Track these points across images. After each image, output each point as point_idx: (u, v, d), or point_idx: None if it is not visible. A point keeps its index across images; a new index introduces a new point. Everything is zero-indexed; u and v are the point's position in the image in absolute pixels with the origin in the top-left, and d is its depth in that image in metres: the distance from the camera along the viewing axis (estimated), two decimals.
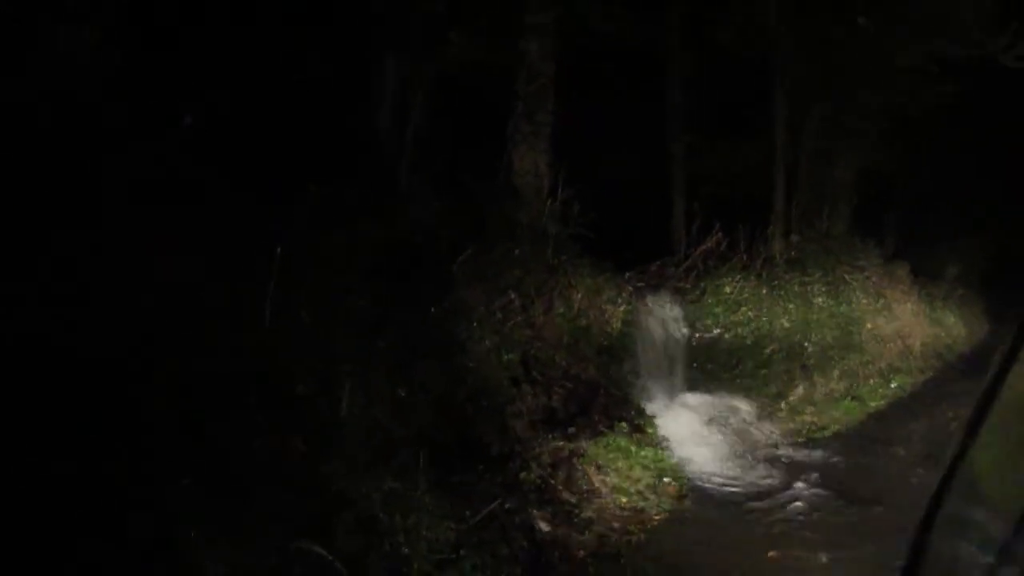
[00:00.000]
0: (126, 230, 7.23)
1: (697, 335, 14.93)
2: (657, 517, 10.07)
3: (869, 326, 19.84)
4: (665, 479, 10.83)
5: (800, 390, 16.01)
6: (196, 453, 6.31)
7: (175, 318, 6.96)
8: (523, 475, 9.32)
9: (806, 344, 16.86)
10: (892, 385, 18.89)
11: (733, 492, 11.44)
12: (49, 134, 7.43)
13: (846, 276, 19.97)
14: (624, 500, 10.05)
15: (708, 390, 14.13)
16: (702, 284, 15.88)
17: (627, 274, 14.66)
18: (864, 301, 20.21)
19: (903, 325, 22.08)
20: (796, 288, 17.64)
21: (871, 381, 18.41)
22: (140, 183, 7.82)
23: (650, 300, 14.11)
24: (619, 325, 13.20)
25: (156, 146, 8.42)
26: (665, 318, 14.14)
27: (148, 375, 6.40)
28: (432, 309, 10.06)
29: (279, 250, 7.97)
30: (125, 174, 7.84)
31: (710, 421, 13.29)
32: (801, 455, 13.40)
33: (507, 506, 8.59)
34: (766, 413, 14.52)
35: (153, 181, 7.94)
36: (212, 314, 7.36)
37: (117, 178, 7.75)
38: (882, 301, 21.38)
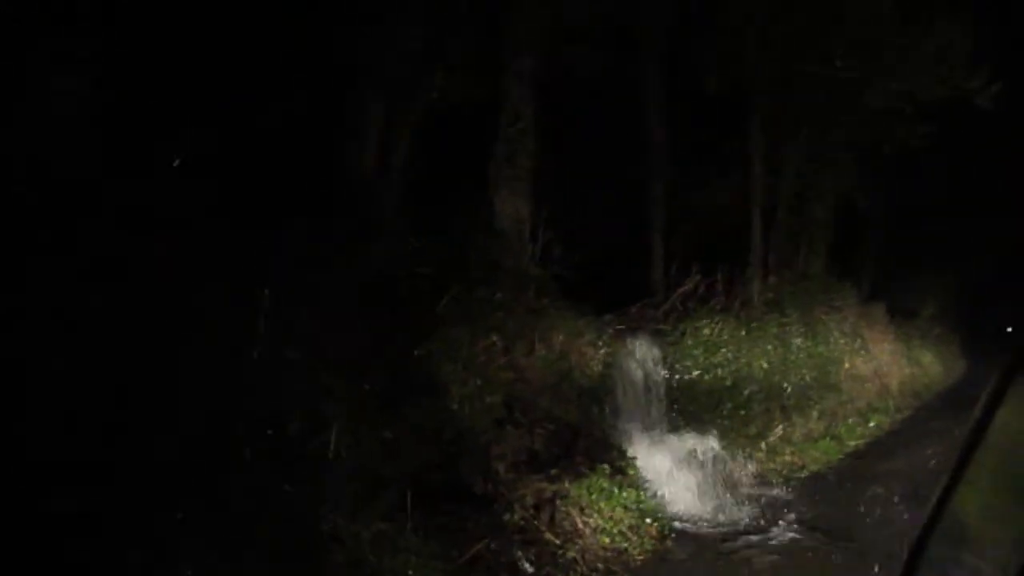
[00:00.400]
0: (116, 265, 7.26)
1: (677, 377, 14.96)
2: (640, 557, 10.12)
3: (847, 366, 20.04)
4: (647, 520, 10.86)
5: (779, 430, 16.12)
6: (189, 490, 6.36)
7: (166, 353, 6.99)
8: (507, 516, 9.36)
9: (785, 385, 16.97)
10: (870, 424, 19.11)
11: (714, 532, 11.53)
12: (41, 173, 7.46)
13: (823, 317, 20.17)
14: (607, 541, 10.08)
15: (688, 431, 14.12)
16: (681, 326, 15.94)
17: (607, 316, 14.71)
18: (842, 342, 20.41)
19: (880, 365, 22.31)
20: (774, 329, 17.77)
21: (849, 420, 18.62)
22: (131, 220, 7.85)
23: (630, 342, 14.11)
24: (600, 367, 13.23)
25: (147, 183, 8.46)
26: (645, 360, 14.13)
27: (138, 411, 6.43)
28: (416, 351, 10.11)
29: (267, 290, 8.04)
30: (116, 211, 7.87)
31: (690, 462, 13.28)
32: (781, 495, 13.53)
33: (492, 546, 8.64)
34: (746, 453, 14.57)
35: (143, 218, 7.97)
36: (203, 350, 7.40)
37: (108, 215, 7.78)
38: (859, 341, 21.60)
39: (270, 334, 8.00)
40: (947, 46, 19.41)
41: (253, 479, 6.87)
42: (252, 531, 6.51)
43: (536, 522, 9.56)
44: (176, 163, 9.18)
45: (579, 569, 9.25)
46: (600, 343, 13.54)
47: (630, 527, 10.55)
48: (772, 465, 14.88)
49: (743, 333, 16.81)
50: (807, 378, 17.86)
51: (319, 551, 6.89)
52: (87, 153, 8.16)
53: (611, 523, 10.39)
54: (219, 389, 7.26)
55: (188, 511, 6.20)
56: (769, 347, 17.18)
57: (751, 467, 14.27)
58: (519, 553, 8.88)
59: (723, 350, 16.00)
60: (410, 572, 7.39)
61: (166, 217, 8.17)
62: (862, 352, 21.65)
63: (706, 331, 16.07)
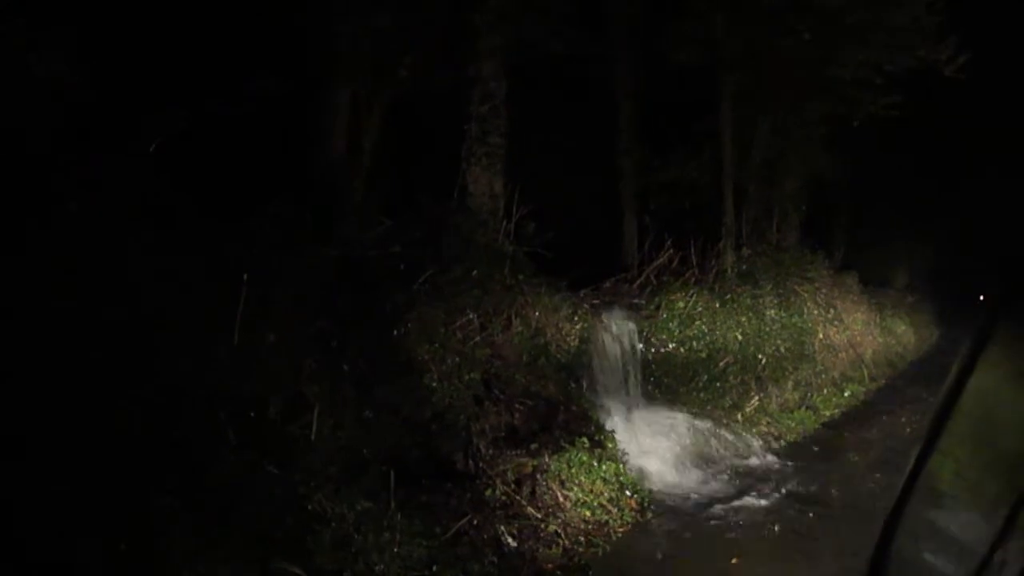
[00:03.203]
0: (90, 249, 7.26)
1: (652, 350, 15.04)
2: (621, 530, 10.20)
3: (821, 336, 20.13)
4: (627, 492, 10.93)
5: (755, 401, 16.22)
6: (174, 473, 6.38)
7: (144, 339, 7.00)
8: (489, 492, 9.43)
9: (759, 356, 17.05)
10: (845, 394, 19.24)
11: (693, 503, 11.62)
12: (12, 153, 7.45)
13: (797, 288, 20.22)
14: (588, 514, 10.14)
15: (665, 404, 14.26)
16: (656, 299, 15.99)
17: (582, 291, 14.79)
18: (815, 312, 20.48)
19: (854, 334, 22.42)
20: (748, 301, 17.81)
21: (824, 391, 18.73)
22: (104, 202, 7.85)
23: (605, 317, 14.18)
24: (576, 342, 13.30)
25: (120, 167, 8.45)
26: (621, 334, 14.17)
27: (121, 395, 6.44)
28: (393, 330, 10.13)
29: (245, 276, 8.04)
30: (88, 194, 7.86)
31: (668, 434, 13.38)
32: (758, 465, 13.67)
33: (475, 522, 8.71)
34: (722, 425, 14.65)
35: (117, 201, 7.97)
36: (180, 335, 7.41)
37: (81, 198, 7.76)
38: (833, 311, 21.69)
39: (249, 317, 8.02)
40: (916, 16, 19.42)
41: (237, 462, 6.90)
42: (238, 513, 6.55)
43: (518, 497, 9.62)
44: (152, 148, 9.19)
45: (561, 542, 9.33)
46: (576, 318, 13.60)
47: (610, 500, 10.60)
48: (749, 436, 14.95)
49: (717, 305, 16.87)
50: (782, 349, 17.94)
51: (306, 531, 6.92)
52: (62, 137, 8.15)
53: (591, 496, 10.44)
54: (200, 374, 7.29)
55: (173, 496, 6.22)
56: (743, 319, 17.24)
57: (728, 438, 14.35)
58: (502, 528, 8.94)
59: (698, 323, 16.07)
60: (395, 550, 7.42)
61: (142, 202, 8.18)
62: (836, 322, 21.75)
63: (680, 304, 16.12)
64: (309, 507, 7.14)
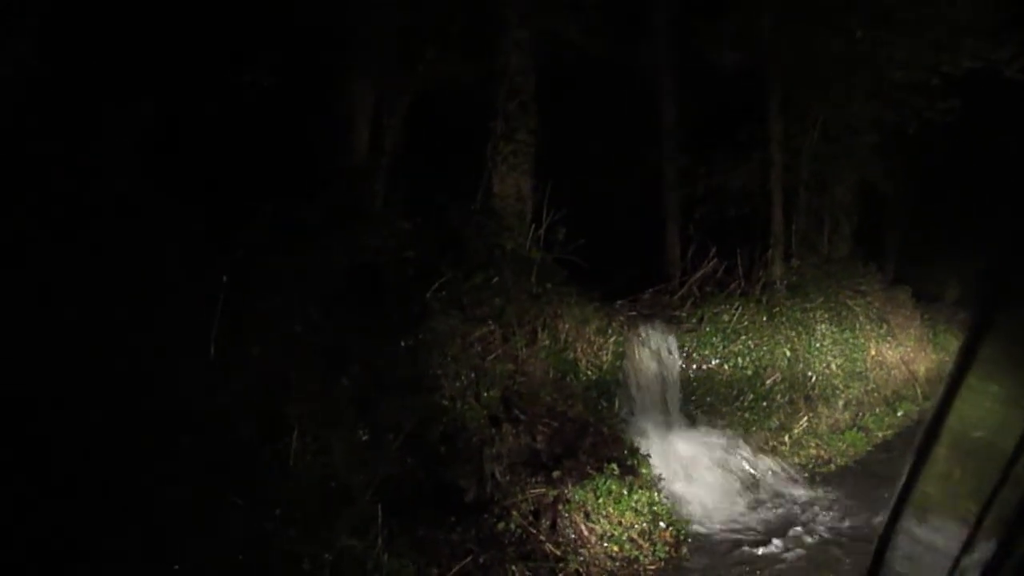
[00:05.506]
0: (53, 253, 6.58)
1: (694, 367, 14.31)
2: (652, 567, 9.43)
3: (873, 353, 19.26)
4: (660, 524, 10.17)
5: (804, 422, 15.35)
6: (125, 509, 5.61)
7: (107, 352, 6.21)
8: (501, 525, 8.65)
9: (809, 373, 16.23)
10: (898, 413, 18.34)
11: (734, 536, 10.82)
12: None
13: (849, 301, 19.36)
14: (615, 549, 9.38)
15: (706, 425, 13.56)
16: (699, 312, 15.23)
17: (618, 302, 14.14)
18: (867, 327, 19.60)
19: (907, 351, 21.52)
20: (797, 315, 17.00)
21: (877, 410, 17.85)
22: (70, 201, 7.17)
23: (643, 330, 13.46)
24: (609, 357, 12.61)
25: (93, 161, 7.77)
26: (659, 349, 13.48)
27: (73, 416, 5.73)
28: (402, 342, 9.31)
29: (224, 278, 7.25)
30: (54, 192, 7.18)
31: (709, 458, 12.70)
32: (806, 492, 12.84)
33: (481, 561, 7.84)
34: (768, 448, 13.91)
35: (88, 198, 7.31)
36: (149, 348, 6.60)
37: (45, 197, 7.08)
38: (886, 327, 20.79)
39: (234, 327, 7.23)
40: (974, 14, 18.57)
41: (194, 489, 6.01)
42: (188, 550, 5.66)
43: (534, 531, 8.81)
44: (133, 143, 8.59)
45: None
46: (610, 331, 12.90)
47: (641, 533, 9.84)
48: (797, 460, 14.16)
49: (764, 319, 16.08)
50: (832, 366, 17.12)
51: (268, 574, 6.01)
52: (34, 130, 7.60)
53: (620, 529, 9.68)
54: (163, 387, 6.46)
55: (117, 528, 5.48)
56: (792, 333, 16.44)
57: (774, 462, 13.62)
58: (513, 569, 8.10)
59: (743, 337, 15.29)
60: None
61: (110, 195, 7.54)
62: (888, 338, 20.93)
63: (725, 317, 15.34)
64: (279, 546, 6.21)
